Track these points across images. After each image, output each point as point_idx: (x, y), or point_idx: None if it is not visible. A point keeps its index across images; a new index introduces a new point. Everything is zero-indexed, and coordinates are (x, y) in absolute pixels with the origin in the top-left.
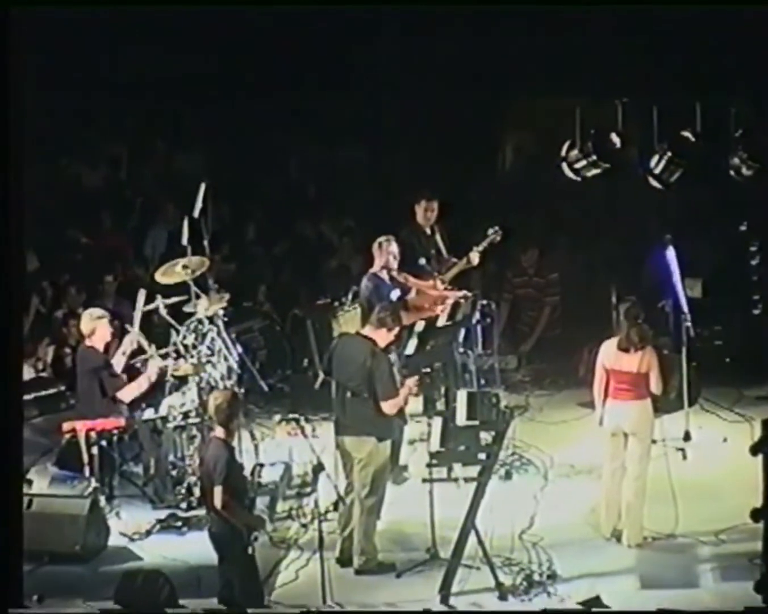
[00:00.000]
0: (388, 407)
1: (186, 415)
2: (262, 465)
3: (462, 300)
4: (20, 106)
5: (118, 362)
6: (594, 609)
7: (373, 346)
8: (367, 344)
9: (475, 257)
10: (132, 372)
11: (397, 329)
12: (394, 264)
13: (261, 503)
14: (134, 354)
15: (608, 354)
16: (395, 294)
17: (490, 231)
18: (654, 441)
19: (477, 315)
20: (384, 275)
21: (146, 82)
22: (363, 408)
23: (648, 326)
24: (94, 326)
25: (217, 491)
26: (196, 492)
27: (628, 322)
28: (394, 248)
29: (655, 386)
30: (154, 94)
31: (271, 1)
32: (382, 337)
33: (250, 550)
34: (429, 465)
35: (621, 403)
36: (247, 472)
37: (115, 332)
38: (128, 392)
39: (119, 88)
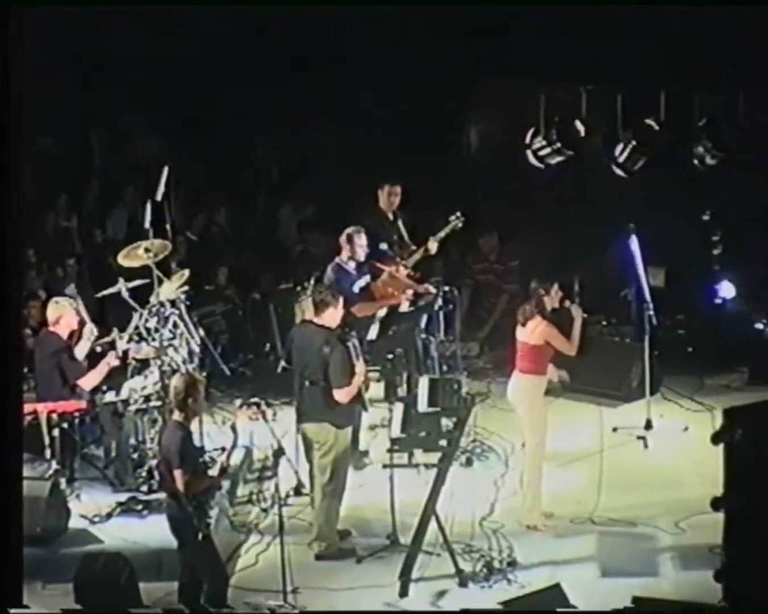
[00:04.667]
0: (341, 395)
1: (147, 398)
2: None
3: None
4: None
5: (81, 349)
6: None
7: (328, 334)
8: (323, 333)
9: (433, 246)
10: (93, 358)
11: (341, 303)
12: (362, 256)
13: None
14: (97, 338)
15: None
16: (358, 285)
17: (452, 218)
18: (614, 429)
19: (439, 301)
20: (350, 265)
21: (108, 63)
22: (320, 396)
23: (552, 301)
24: (60, 313)
25: (177, 474)
26: (157, 475)
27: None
28: (363, 240)
29: (565, 349)
30: (116, 76)
31: None
32: (332, 317)
33: (200, 536)
34: (390, 451)
35: (515, 374)
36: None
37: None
38: (89, 380)
39: (82, 69)
